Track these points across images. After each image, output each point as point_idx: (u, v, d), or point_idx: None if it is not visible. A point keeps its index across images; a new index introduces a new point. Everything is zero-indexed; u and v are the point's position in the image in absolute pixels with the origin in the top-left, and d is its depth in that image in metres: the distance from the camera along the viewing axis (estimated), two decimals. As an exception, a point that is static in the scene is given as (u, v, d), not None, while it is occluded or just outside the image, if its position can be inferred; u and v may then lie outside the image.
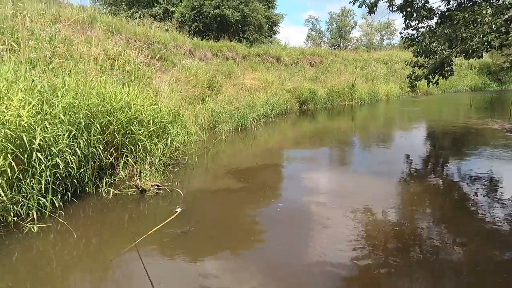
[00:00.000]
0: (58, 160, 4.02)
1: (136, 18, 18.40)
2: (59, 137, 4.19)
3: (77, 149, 4.32)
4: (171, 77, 11.52)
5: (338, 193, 5.13)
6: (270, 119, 13.21)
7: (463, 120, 12.59)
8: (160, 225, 3.66)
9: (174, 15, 21.40)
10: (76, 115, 4.54)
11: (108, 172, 5.18)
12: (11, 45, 5.81)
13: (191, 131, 8.60)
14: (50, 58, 6.33)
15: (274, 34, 28.21)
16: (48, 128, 4.13)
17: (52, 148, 4.05)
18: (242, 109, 11.58)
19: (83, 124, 4.54)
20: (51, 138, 4.04)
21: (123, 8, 23.87)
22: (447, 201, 4.73)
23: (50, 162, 4.01)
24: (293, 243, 3.49)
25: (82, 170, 4.58)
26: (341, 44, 48.88)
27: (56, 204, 4.01)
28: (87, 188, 4.76)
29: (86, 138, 4.59)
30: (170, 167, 6.01)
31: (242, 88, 14.72)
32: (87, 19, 10.65)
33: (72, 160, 4.25)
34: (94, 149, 4.70)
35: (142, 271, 2.98)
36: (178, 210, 4.07)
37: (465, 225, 3.95)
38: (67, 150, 4.20)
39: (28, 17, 7.31)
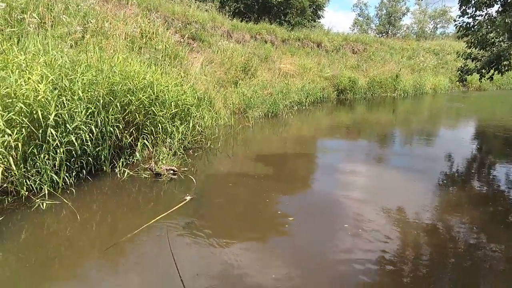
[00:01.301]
0: (72, 138, 3.96)
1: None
2: (76, 114, 4.13)
3: (93, 127, 4.25)
4: (204, 59, 11.39)
5: (370, 192, 4.60)
6: (304, 107, 12.75)
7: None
8: (163, 214, 3.49)
9: (216, -5, 21.18)
10: (96, 93, 4.47)
11: (127, 152, 5.12)
12: (40, 19, 5.84)
13: (219, 115, 8.46)
14: (81, 33, 6.32)
15: (318, 19, 27.20)
16: (65, 104, 4.08)
17: (68, 125, 4.00)
18: (274, 94, 11.22)
19: (101, 102, 4.46)
20: (67, 115, 3.98)
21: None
22: (489, 211, 4.18)
23: (65, 139, 3.97)
24: (312, 249, 3.18)
25: (98, 148, 4.53)
26: (389, 32, 46.38)
27: (68, 181, 3.98)
28: (104, 167, 4.73)
29: (104, 116, 4.52)
30: (191, 151, 5.88)
31: (278, 73, 14.31)
32: (127, -4, 10.66)
33: (88, 138, 4.19)
34: (111, 128, 4.62)
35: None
36: (187, 198, 3.90)
37: (508, 239, 3.44)
38: (82, 128, 4.14)
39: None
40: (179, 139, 5.55)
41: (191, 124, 5.78)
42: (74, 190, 3.95)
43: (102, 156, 4.64)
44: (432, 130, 10.23)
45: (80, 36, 6.23)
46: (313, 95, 13.89)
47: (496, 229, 3.68)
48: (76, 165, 4.26)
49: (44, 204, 3.55)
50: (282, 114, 10.49)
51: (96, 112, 4.44)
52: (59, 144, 3.90)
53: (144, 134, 5.35)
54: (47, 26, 5.77)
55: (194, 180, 4.46)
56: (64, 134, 4.00)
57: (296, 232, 3.44)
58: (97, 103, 4.46)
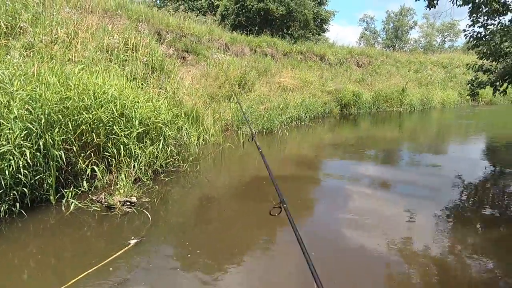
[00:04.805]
0: (-5, 166, 3.25)
1: (179, 11, 17.99)
2: (5, 136, 3.43)
3: (27, 152, 3.53)
4: (197, 72, 10.79)
5: (375, 228, 3.85)
6: (304, 123, 11.97)
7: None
8: (91, 270, 2.69)
9: (218, 9, 20.85)
10: (37, 110, 3.78)
11: (82, 179, 4.39)
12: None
13: (206, 132, 7.76)
14: (45, 43, 5.71)
15: (323, 32, 26.73)
16: (-5, 124, 3.39)
17: (-7, 151, 3.30)
18: (270, 110, 10.48)
19: (43, 121, 3.76)
20: (-10, 138, 3.29)
21: (171, 0, 23.80)
22: (506, 244, 3.45)
23: (-12, 168, 3.27)
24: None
25: (39, 177, 3.81)
26: (396, 45, 45.78)
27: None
28: (51, 198, 4.00)
29: (48, 138, 3.81)
30: (162, 176, 5.12)
31: (277, 87, 13.63)
32: (115, 7, 10.17)
33: (22, 165, 3.48)
34: (58, 152, 3.91)
35: None
36: (131, 243, 3.12)
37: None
38: (14, 153, 3.43)
39: (39, 0, 6.80)
40: (146, 162, 4.81)
41: (161, 145, 5.03)
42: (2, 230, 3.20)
43: (46, 185, 3.92)
44: (443, 148, 9.36)
45: (44, 46, 5.60)
46: (313, 110, 13.12)
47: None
48: (7, 198, 3.52)
49: None
50: (278, 131, 9.72)
51: (37, 134, 3.74)
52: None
53: (106, 158, 4.64)
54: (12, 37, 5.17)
55: (149, 216, 3.68)
56: (-12, 161, 3.30)
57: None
58: (40, 122, 3.77)
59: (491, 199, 5.08)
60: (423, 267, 2.99)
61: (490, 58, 8.62)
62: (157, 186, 4.65)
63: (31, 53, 5.32)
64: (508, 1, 8.58)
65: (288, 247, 3.32)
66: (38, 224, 3.56)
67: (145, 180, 4.62)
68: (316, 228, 3.92)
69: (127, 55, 8.10)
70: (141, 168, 4.70)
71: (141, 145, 4.83)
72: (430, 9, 9.26)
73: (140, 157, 4.73)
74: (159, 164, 5.13)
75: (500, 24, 8.67)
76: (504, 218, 4.24)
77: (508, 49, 7.74)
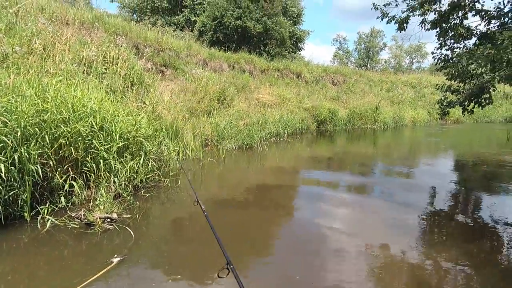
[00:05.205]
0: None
1: (157, 25, 17.93)
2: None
3: (1, 165, 3.35)
4: (176, 87, 10.74)
5: (355, 236, 3.96)
6: (282, 139, 12.10)
7: (503, 157, 11.00)
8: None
9: (196, 25, 20.99)
10: (12, 123, 3.62)
11: (59, 195, 4.21)
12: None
13: (187, 147, 7.68)
14: (20, 54, 5.52)
15: (299, 50, 27.41)
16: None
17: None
18: (249, 125, 10.54)
19: (18, 134, 3.61)
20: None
21: (148, 15, 23.78)
22: (477, 250, 3.73)
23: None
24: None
25: (13, 192, 3.61)
26: (368, 65, 47.61)
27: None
28: (25, 214, 3.79)
29: (23, 152, 3.64)
30: (142, 192, 4.99)
31: (255, 103, 13.77)
32: (92, 20, 10.02)
33: (-5, 180, 3.30)
34: (34, 167, 3.73)
35: None
36: (114, 261, 3.00)
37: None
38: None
39: (13, 11, 6.62)
40: (127, 177, 4.68)
41: (141, 160, 4.92)
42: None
43: (21, 201, 3.72)
44: (416, 164, 9.69)
45: (20, 57, 5.42)
46: (291, 126, 13.31)
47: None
48: (-22, 215, 3.32)
49: None
50: (257, 146, 9.75)
51: (12, 147, 3.57)
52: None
53: (85, 172, 4.48)
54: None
55: (132, 232, 3.56)
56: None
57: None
58: (15, 135, 3.60)
59: (463, 209, 5.33)
60: (397, 277, 3.07)
61: (458, 79, 9.11)
62: (138, 202, 4.52)
63: (6, 64, 5.12)
64: (471, 27, 9.19)
65: (271, 265, 3.30)
66: (11, 243, 3.35)
67: (125, 195, 4.48)
68: (300, 232, 4.00)
69: (105, 68, 7.97)
70: (121, 184, 4.56)
71: (121, 159, 4.70)
72: (400, 32, 9.73)
73: (120, 172, 4.60)
74: (139, 179, 5.00)
75: (465, 48, 9.23)
76: (477, 227, 4.41)
77: (474, 71, 8.21)
